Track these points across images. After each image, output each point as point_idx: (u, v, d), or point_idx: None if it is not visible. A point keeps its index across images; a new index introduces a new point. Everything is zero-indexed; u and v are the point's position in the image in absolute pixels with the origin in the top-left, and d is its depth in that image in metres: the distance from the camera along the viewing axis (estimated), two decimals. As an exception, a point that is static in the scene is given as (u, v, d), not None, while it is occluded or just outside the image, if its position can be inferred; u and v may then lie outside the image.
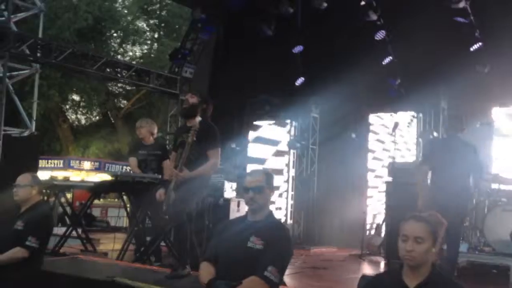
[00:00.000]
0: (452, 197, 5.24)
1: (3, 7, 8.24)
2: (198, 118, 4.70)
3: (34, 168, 8.52)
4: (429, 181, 5.64)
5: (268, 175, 3.44)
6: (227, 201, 7.92)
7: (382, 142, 10.64)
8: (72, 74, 17.07)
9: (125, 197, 7.73)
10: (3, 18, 8.31)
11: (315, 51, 10.52)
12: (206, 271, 3.25)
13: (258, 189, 3.31)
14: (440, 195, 5.30)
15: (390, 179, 7.97)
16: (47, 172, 16.45)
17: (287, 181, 11.58)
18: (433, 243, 2.62)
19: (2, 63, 8.24)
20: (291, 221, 11.50)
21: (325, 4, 9.69)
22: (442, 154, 5.49)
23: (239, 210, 7.11)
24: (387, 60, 10.04)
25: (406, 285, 2.61)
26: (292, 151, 11.63)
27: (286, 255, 3.24)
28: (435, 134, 9.98)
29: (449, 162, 5.37)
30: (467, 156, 5.48)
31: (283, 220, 11.37)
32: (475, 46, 9.17)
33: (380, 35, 9.88)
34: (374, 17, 9.68)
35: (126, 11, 24.89)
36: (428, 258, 2.62)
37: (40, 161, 14.53)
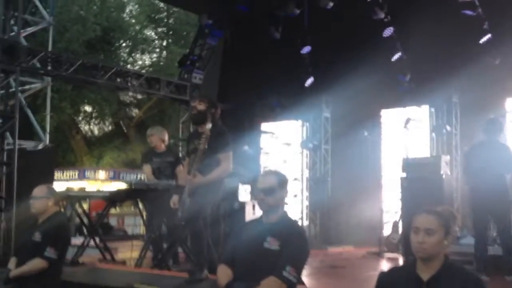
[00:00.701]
0: (495, 194, 5.70)
1: (12, 22, 8.32)
2: (209, 125, 4.72)
3: (50, 180, 8.61)
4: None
5: (280, 176, 3.43)
6: (242, 205, 7.94)
7: (396, 138, 10.58)
8: (83, 85, 17.22)
9: (140, 205, 7.79)
10: (13, 33, 8.39)
11: (323, 51, 10.52)
12: (224, 273, 3.26)
13: (269, 190, 3.31)
14: (481, 196, 5.84)
15: (404, 175, 7.93)
16: (63, 183, 16.57)
17: (301, 182, 11.55)
18: (445, 235, 2.63)
19: (14, 77, 8.31)
20: (307, 222, 11.48)
21: (331, 4, 9.67)
22: (480, 159, 5.96)
23: (254, 212, 7.12)
24: (396, 56, 10.01)
25: (420, 277, 2.62)
26: (305, 151, 11.62)
27: (303, 254, 3.24)
28: (448, 128, 9.93)
29: (489, 164, 5.82)
30: (504, 157, 5.89)
31: (299, 221, 11.36)
32: (485, 38, 9.12)
33: (388, 32, 9.85)
34: (381, 14, 9.66)
35: (134, 21, 25.07)
36: (440, 250, 2.62)
37: (56, 172, 14.67)
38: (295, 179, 11.59)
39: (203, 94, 11.33)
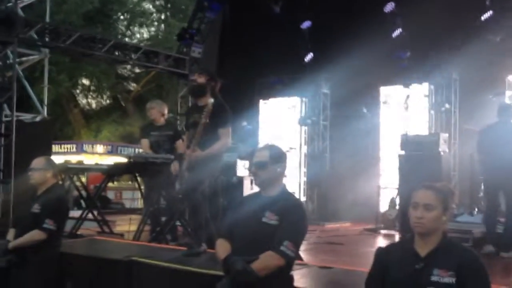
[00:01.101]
0: (506, 171, 6.01)
1: (9, -8, 8.23)
2: (211, 99, 4.69)
3: (48, 152, 8.61)
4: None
5: (274, 150, 3.40)
6: (240, 179, 7.96)
7: (394, 115, 10.57)
8: (81, 58, 17.08)
9: (139, 179, 7.80)
10: (10, 4, 8.30)
11: (323, 27, 10.43)
12: (222, 247, 3.27)
13: (261, 164, 3.30)
14: (492, 172, 6.23)
15: (402, 152, 7.94)
16: (61, 156, 16.57)
17: (299, 157, 11.57)
18: (443, 211, 2.63)
19: (11, 49, 8.25)
20: (305, 198, 11.53)
21: (333, -22, 9.56)
22: (493, 138, 6.23)
23: (252, 187, 7.14)
24: (397, 32, 9.93)
25: (417, 253, 2.64)
26: (303, 127, 11.61)
27: (301, 229, 3.24)
28: (447, 106, 9.90)
29: (500, 143, 6.12)
30: None
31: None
32: (486, 15, 9.03)
33: (389, 7, 9.75)
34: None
35: (132, -7, 24.81)
36: (438, 225, 2.63)
37: (53, 146, 14.67)
38: (291, 149, 11.57)
39: (202, 68, 11.27)
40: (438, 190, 2.66)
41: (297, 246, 3.16)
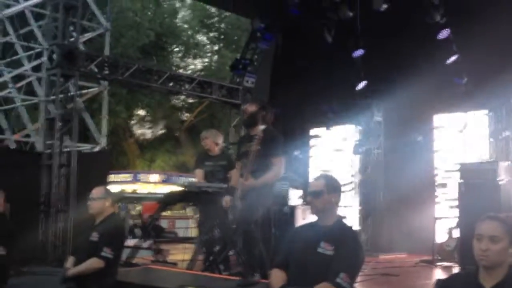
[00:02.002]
0: None
1: (71, 28, 8.60)
2: (262, 126, 4.72)
3: (105, 182, 8.85)
4: None
5: (329, 179, 3.40)
6: (292, 209, 7.91)
7: (450, 143, 10.30)
8: (137, 89, 17.60)
9: (191, 208, 7.87)
10: (72, 39, 8.68)
11: (376, 54, 10.36)
12: (278, 277, 3.24)
13: (316, 193, 3.29)
14: None
15: (462, 180, 7.71)
16: (117, 186, 16.98)
17: (354, 187, 11.41)
18: (510, 243, 2.53)
19: (73, 81, 8.59)
20: (359, 228, 11.32)
21: (385, 6, 9.51)
22: None
23: (304, 217, 7.08)
24: (452, 58, 9.74)
25: (483, 286, 2.54)
26: (357, 156, 11.48)
27: (357, 261, 3.19)
28: (507, 133, 9.58)
29: None
30: None
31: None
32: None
33: (444, 33, 9.60)
34: (437, 17, 9.42)
35: (186, 26, 25.50)
36: (505, 258, 2.53)
37: (110, 175, 15.06)
38: (351, 187, 11.46)
39: (253, 97, 11.39)
40: (504, 221, 2.56)
41: (353, 278, 3.11)
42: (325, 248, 3.15)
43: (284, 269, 3.27)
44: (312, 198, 3.31)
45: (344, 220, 3.42)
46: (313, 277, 3.07)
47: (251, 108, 5.01)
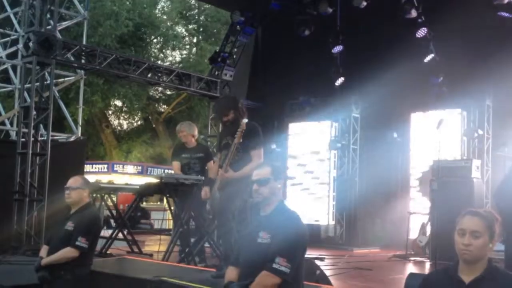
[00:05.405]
0: None
1: (48, 16, 8.46)
2: (245, 120, 4.74)
3: (81, 172, 8.76)
4: None
5: (276, 167, 3.41)
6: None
7: (425, 141, 10.45)
8: (115, 79, 17.46)
9: (166, 200, 7.85)
10: (49, 27, 8.54)
11: (354, 51, 10.44)
12: (228, 274, 3.29)
13: (263, 181, 3.29)
14: None
15: (434, 177, 7.84)
16: (92, 176, 16.83)
17: (329, 182, 11.50)
18: (490, 238, 2.61)
19: (49, 70, 8.47)
20: (333, 222, 11.43)
21: (364, 3, 9.59)
22: None
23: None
24: (429, 57, 9.87)
25: (462, 280, 2.61)
26: (333, 151, 11.56)
27: (293, 242, 3.12)
28: (479, 132, 9.75)
29: None
30: None
31: (325, 222, 11.32)
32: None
33: (422, 32, 9.71)
34: (415, 14, 9.53)
35: (165, 17, 25.31)
36: (485, 253, 2.61)
37: (85, 165, 14.92)
38: (326, 182, 11.54)
39: (233, 91, 11.38)
40: (485, 217, 2.63)
41: (291, 261, 3.05)
42: (263, 237, 3.15)
43: (236, 265, 3.29)
44: (258, 186, 3.29)
45: (286, 206, 3.37)
46: (259, 269, 3.06)
47: (228, 117, 5.01)
